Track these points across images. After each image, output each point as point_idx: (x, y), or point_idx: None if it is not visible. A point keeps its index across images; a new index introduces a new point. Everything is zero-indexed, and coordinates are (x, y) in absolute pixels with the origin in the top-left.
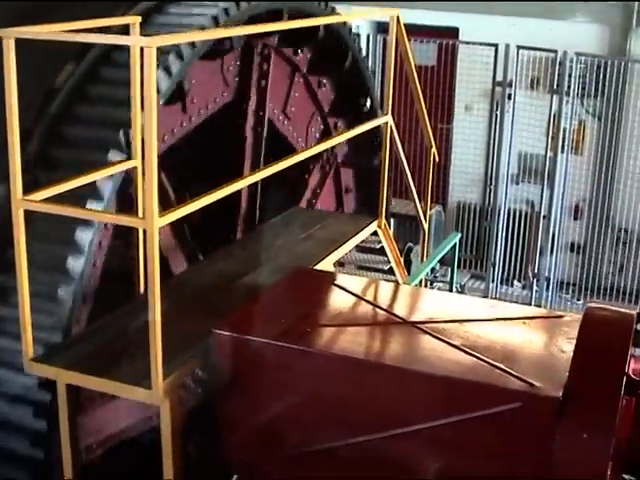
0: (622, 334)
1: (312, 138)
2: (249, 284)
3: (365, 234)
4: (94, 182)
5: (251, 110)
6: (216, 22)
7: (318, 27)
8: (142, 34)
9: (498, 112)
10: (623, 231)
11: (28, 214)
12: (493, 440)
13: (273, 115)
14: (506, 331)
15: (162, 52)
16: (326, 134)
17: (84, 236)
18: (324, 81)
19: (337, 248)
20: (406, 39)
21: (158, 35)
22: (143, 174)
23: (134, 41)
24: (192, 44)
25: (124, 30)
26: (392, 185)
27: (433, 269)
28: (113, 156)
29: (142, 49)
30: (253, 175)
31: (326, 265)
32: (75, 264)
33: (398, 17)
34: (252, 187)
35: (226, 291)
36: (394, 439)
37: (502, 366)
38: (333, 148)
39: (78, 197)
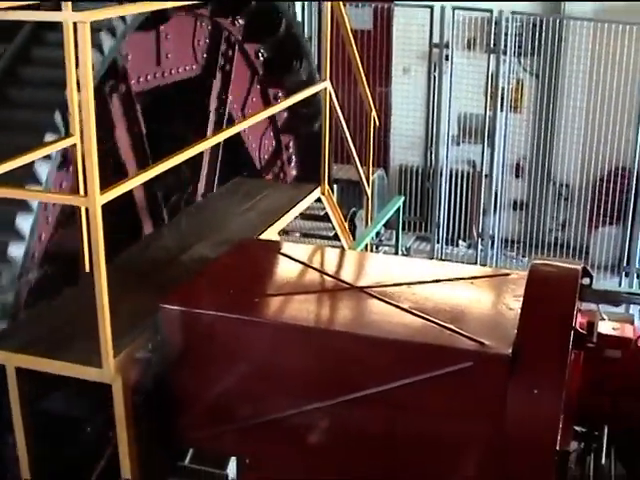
0: (568, 289)
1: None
2: (195, 257)
3: (308, 201)
4: (32, 164)
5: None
6: None
7: None
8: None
9: (436, 74)
10: (564, 187)
11: None
12: (446, 400)
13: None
14: (453, 292)
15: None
16: (267, 104)
17: (24, 221)
18: (261, 50)
19: (281, 217)
20: (341, 4)
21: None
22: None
23: (66, 17)
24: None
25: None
26: (334, 151)
27: (378, 233)
28: (50, 139)
29: (75, 25)
30: (194, 147)
31: (271, 234)
32: (16, 249)
33: None
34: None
35: (172, 265)
36: (348, 405)
37: (451, 326)
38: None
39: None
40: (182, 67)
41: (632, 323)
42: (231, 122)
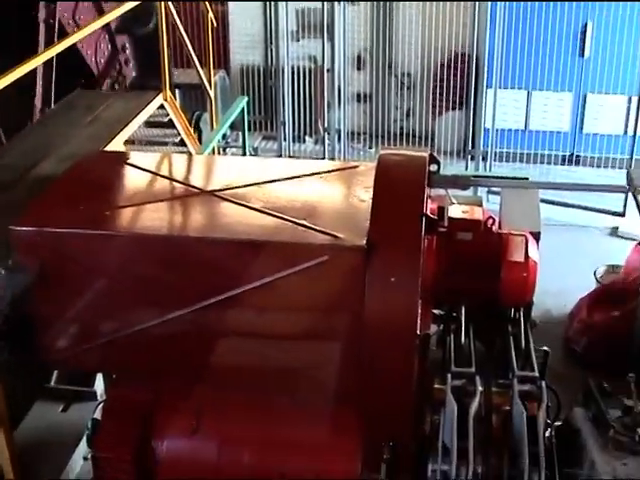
0: (417, 176)
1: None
2: (41, 175)
3: (151, 109)
4: None
5: None
6: None
7: None
8: None
9: None
10: (406, 76)
11: None
12: (306, 296)
13: None
14: (304, 188)
15: None
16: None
17: None
18: None
19: (125, 127)
20: None
21: None
22: None
23: None
24: None
25: None
26: (173, 55)
27: (224, 135)
28: None
29: None
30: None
31: (116, 145)
32: None
33: None
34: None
35: (18, 186)
36: (209, 310)
37: (305, 223)
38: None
39: None
40: None
41: (481, 205)
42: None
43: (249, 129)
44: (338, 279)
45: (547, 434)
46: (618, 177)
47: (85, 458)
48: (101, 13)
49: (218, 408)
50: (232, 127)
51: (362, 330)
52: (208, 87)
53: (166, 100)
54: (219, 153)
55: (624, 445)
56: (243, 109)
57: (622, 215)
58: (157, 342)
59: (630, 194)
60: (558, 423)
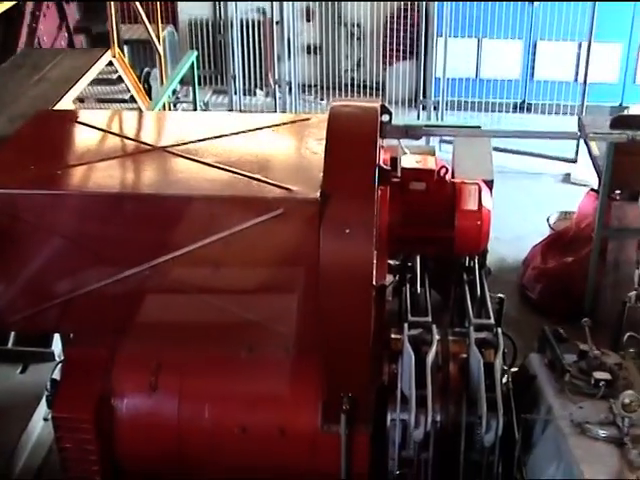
0: (369, 127)
1: None
2: None
3: (100, 66)
4: None
5: None
6: None
7: None
8: None
9: None
10: (356, 26)
11: None
12: (262, 250)
13: None
14: (257, 142)
15: None
16: None
17: None
18: None
19: (74, 85)
20: None
21: None
22: None
23: None
24: None
25: None
26: (120, 11)
27: (174, 91)
28: None
29: None
30: None
31: (66, 104)
32: None
33: None
34: None
35: None
36: (165, 266)
37: (258, 176)
38: None
39: None
40: None
41: (433, 155)
42: None
43: (199, 84)
44: (293, 232)
45: (504, 380)
46: (569, 124)
47: (45, 419)
48: None
49: (177, 364)
50: (182, 82)
51: (318, 282)
52: (157, 43)
53: (115, 57)
54: (170, 109)
55: (580, 389)
56: (193, 64)
57: (574, 162)
58: (114, 300)
59: (582, 140)
60: (515, 369)
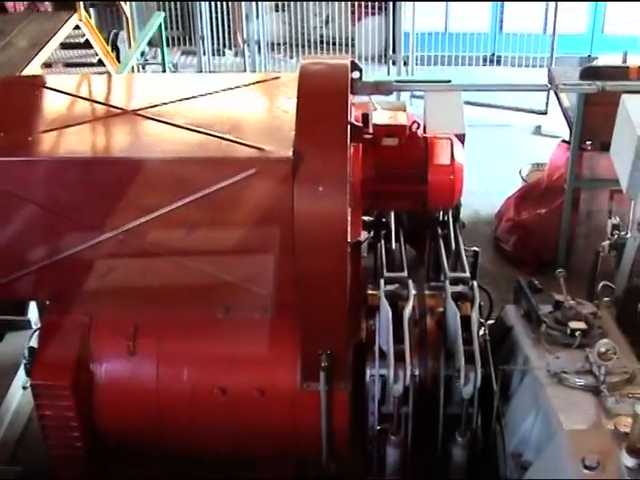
0: (340, 84)
1: None
2: None
3: (67, 30)
4: None
5: None
6: None
7: None
8: None
9: None
10: None
11: None
12: (236, 210)
13: None
14: (227, 102)
15: None
16: None
17: None
18: None
19: (41, 50)
20: None
21: None
22: None
23: None
24: None
25: None
26: None
27: (143, 53)
28: None
29: None
30: None
31: (33, 69)
32: None
33: None
34: None
35: None
36: (140, 230)
37: (230, 137)
38: None
39: None
40: None
41: (404, 110)
42: None
43: (167, 45)
44: (267, 191)
45: (481, 333)
46: (539, 76)
47: (24, 387)
48: None
49: (154, 327)
50: (150, 44)
51: (294, 240)
52: (123, 4)
53: (81, 20)
54: (138, 71)
55: (556, 339)
56: (160, 25)
57: (544, 114)
58: (89, 266)
59: (552, 92)
60: (491, 321)
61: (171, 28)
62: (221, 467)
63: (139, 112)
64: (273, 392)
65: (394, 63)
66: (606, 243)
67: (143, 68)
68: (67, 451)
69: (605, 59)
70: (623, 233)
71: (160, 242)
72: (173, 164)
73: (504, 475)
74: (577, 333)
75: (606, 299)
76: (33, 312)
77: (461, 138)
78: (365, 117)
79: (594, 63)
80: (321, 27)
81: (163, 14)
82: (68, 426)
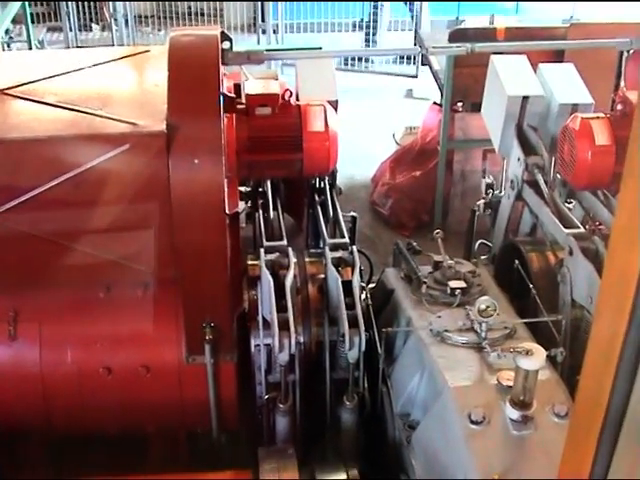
0: (210, 55)
1: None
2: None
3: None
4: None
5: None
6: None
7: None
8: None
9: None
10: None
11: None
12: (112, 187)
13: None
14: (97, 78)
15: None
16: None
17: None
18: None
19: None
20: None
21: None
22: None
23: None
24: None
25: None
26: None
27: (7, 30)
28: None
29: None
30: None
31: None
32: None
33: None
34: None
35: None
36: (15, 212)
37: (102, 113)
38: None
39: None
40: None
41: (276, 79)
42: None
43: (32, 22)
44: (142, 166)
45: (363, 297)
46: (407, 40)
47: None
48: None
49: (35, 311)
50: (14, 21)
51: (172, 214)
52: None
53: None
54: (3, 49)
55: (437, 299)
56: (24, 1)
57: (415, 77)
58: None
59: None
60: (372, 285)
61: (35, 4)
62: (113, 446)
63: (7, 92)
64: (159, 368)
65: (264, 32)
66: (481, 202)
67: (8, 47)
68: None
69: (472, 21)
70: (497, 192)
71: (36, 223)
72: (45, 143)
73: (392, 436)
74: (457, 292)
75: (483, 257)
76: None
77: (334, 104)
78: (237, 87)
79: (462, 25)
80: None
81: None
82: None
